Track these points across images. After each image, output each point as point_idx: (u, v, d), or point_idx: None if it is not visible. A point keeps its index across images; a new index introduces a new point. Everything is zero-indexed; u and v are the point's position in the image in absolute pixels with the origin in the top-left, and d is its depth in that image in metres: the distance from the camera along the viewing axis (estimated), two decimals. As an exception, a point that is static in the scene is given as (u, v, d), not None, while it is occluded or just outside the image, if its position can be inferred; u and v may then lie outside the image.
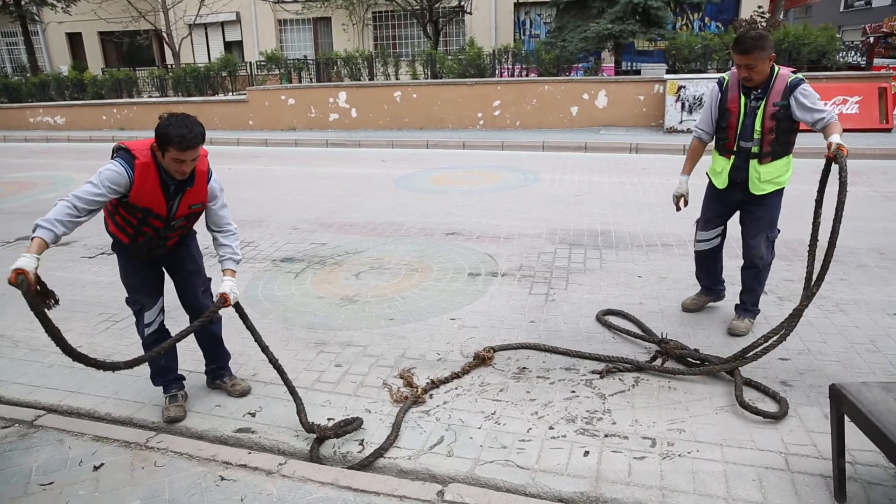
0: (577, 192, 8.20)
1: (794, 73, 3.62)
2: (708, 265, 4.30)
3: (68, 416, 3.36)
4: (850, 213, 6.75)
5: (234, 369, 3.77)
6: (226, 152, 13.19)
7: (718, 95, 3.81)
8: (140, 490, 2.72)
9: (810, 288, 3.28)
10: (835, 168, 3.24)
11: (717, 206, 4.08)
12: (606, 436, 3.00)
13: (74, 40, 28.10)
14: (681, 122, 12.41)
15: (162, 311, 3.37)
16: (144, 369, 3.80)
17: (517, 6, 21.85)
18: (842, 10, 35.98)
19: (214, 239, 3.30)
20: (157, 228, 3.06)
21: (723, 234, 4.19)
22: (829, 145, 3.27)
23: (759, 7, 18.24)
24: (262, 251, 6.17)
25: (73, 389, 3.63)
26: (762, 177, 3.78)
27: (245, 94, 16.16)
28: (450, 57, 16.08)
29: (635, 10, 14.21)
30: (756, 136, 3.70)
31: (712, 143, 4.02)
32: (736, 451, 2.87)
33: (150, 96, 18.76)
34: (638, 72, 15.90)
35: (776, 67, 3.62)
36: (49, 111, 18.20)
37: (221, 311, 3.22)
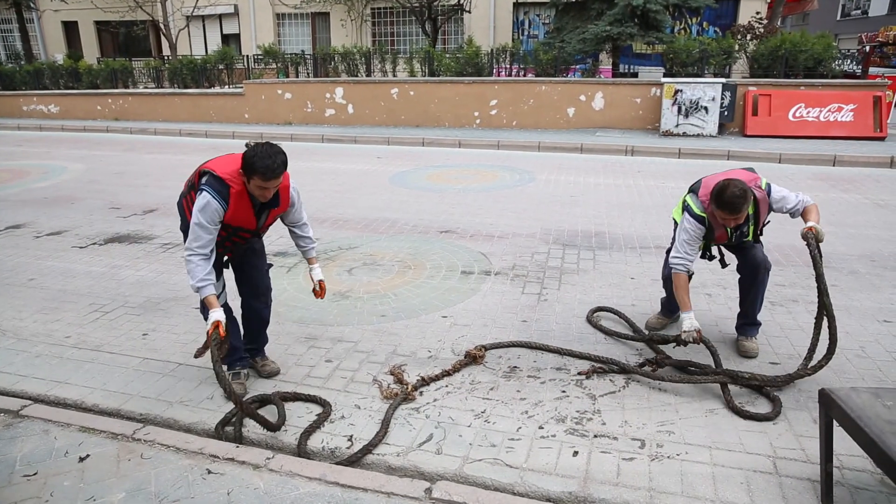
0: (571, 193, 8.21)
1: (751, 170, 3.59)
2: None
3: (55, 407, 3.33)
4: (842, 220, 6.84)
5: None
6: (221, 145, 13.13)
7: (703, 231, 3.61)
8: (126, 482, 2.69)
9: (816, 363, 3.37)
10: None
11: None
12: (596, 436, 3.00)
13: (70, 29, 27.91)
14: (677, 125, 12.43)
15: (224, 287, 3.39)
16: (132, 360, 3.80)
17: (516, 6, 21.83)
18: (839, 18, 36.12)
19: (292, 232, 3.53)
20: (247, 238, 3.31)
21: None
22: (810, 229, 3.38)
23: (757, 13, 18.30)
24: (255, 245, 6.13)
25: (61, 380, 3.60)
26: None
27: (242, 87, 16.08)
28: (448, 55, 16.05)
29: (634, 13, 14.23)
30: (750, 237, 3.71)
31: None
32: (724, 454, 2.87)
33: (146, 87, 18.65)
34: (635, 74, 15.93)
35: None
36: (43, 99, 18.08)
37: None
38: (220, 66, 18.02)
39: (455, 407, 3.26)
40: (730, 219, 3.37)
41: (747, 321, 3.94)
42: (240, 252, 3.44)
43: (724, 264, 3.97)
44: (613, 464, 2.80)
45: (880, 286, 4.92)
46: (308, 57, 18.13)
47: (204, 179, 3.05)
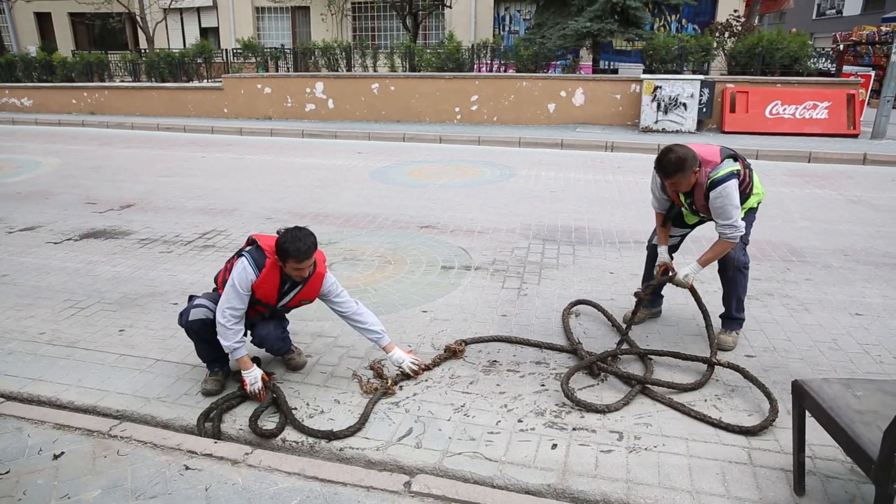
0: (552, 189, 8.24)
1: (712, 161, 3.55)
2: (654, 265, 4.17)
3: (28, 404, 3.28)
4: (816, 215, 6.95)
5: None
6: (199, 140, 13.01)
7: (660, 183, 3.76)
8: (101, 479, 2.66)
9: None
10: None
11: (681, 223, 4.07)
12: (574, 429, 3.02)
13: (43, 20, 27.42)
14: (656, 121, 12.53)
15: (208, 311, 3.37)
16: (108, 357, 3.75)
17: (497, 1, 21.85)
18: (814, 17, 36.61)
19: (353, 325, 3.48)
20: (262, 313, 3.42)
21: (682, 239, 4.20)
22: (675, 275, 3.74)
23: (735, 11, 18.50)
24: (235, 240, 6.09)
25: (35, 377, 3.54)
26: None
27: (220, 81, 15.92)
28: (428, 50, 16.03)
29: (614, 10, 14.32)
30: (699, 217, 3.87)
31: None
32: (701, 446, 2.91)
33: (123, 81, 18.38)
34: (615, 71, 16.03)
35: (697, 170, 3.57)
36: (15, 92, 17.73)
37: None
38: (199, 60, 17.81)
39: (435, 401, 3.27)
40: (666, 181, 3.56)
41: (724, 315, 4.01)
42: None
43: None
44: (592, 456, 2.83)
45: (853, 280, 5.01)
46: (288, 51, 18.01)
47: (249, 247, 3.27)
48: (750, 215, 3.89)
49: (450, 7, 20.96)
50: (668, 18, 19.96)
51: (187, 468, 2.73)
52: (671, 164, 3.45)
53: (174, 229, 6.47)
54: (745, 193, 3.70)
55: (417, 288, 4.83)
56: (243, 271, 3.16)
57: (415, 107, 14.44)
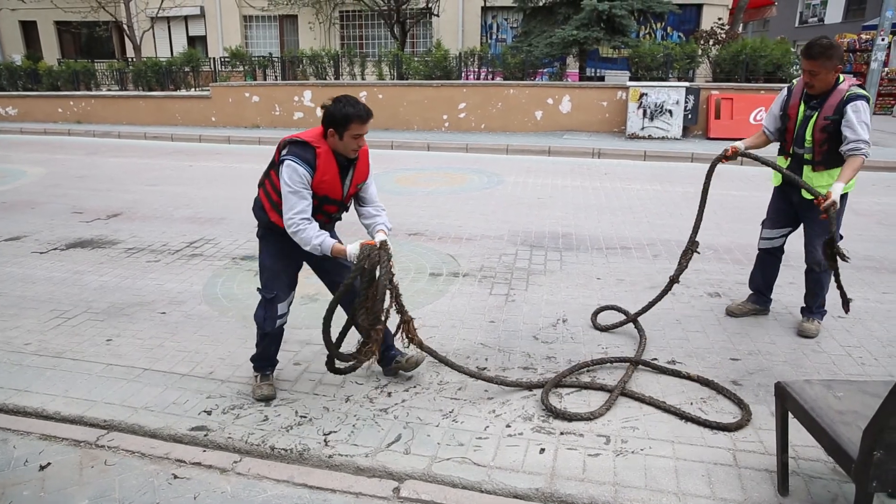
0: (539, 196, 8.29)
1: (859, 86, 3.65)
2: (766, 265, 4.35)
3: (14, 415, 3.26)
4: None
5: (190, 366, 3.72)
6: (187, 149, 12.97)
7: (785, 97, 3.92)
8: (89, 489, 2.65)
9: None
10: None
11: (779, 204, 4.19)
12: (562, 433, 3.05)
13: (29, 29, 27.28)
14: (642, 128, 12.64)
15: (290, 304, 3.38)
16: (95, 367, 3.74)
17: (484, 10, 21.98)
18: (797, 25, 37.11)
19: (365, 215, 3.32)
20: (331, 214, 3.20)
21: (786, 237, 4.29)
22: (829, 195, 3.50)
23: (720, 19, 18.72)
24: (223, 248, 6.08)
25: (20, 388, 3.52)
26: (813, 183, 3.83)
27: (208, 90, 15.89)
28: (416, 58, 16.09)
29: (600, 18, 14.44)
30: (808, 144, 3.80)
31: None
32: (687, 448, 2.94)
33: (110, 89, 18.30)
34: (602, 78, 16.15)
35: (841, 79, 3.67)
36: (0, 101, 17.61)
37: None
38: (186, 69, 17.77)
39: (423, 407, 3.28)
40: (806, 68, 3.62)
41: (806, 309, 4.20)
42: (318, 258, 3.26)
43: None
44: (579, 460, 2.85)
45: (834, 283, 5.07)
46: (276, 60, 18.00)
47: (285, 150, 3.00)
48: (843, 202, 3.86)
49: (437, 15, 21.07)
50: (654, 26, 20.16)
51: (176, 477, 2.73)
52: (820, 46, 3.54)
53: (162, 238, 6.45)
54: None
55: (406, 295, 4.81)
56: (295, 172, 2.92)
57: (403, 114, 14.48)
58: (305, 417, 3.21)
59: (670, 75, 13.98)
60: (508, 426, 3.11)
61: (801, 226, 4.19)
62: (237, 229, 6.74)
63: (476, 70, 15.78)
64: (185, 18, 24.69)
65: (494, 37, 22.26)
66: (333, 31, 23.35)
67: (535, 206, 7.71)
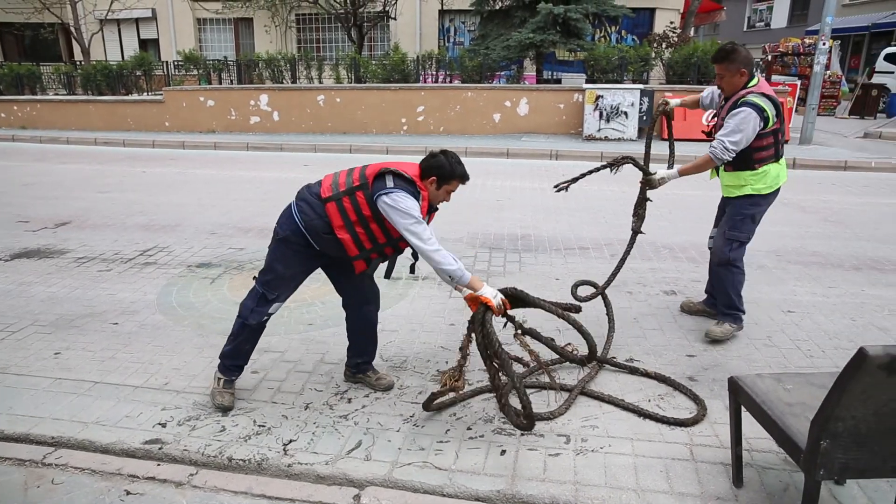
0: (498, 198, 8.34)
1: (764, 95, 3.66)
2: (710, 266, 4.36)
3: (-45, 434, 3.12)
4: (751, 217, 7.20)
5: (144, 378, 3.62)
6: (140, 154, 12.66)
7: (719, 96, 4.03)
8: (36, 509, 2.55)
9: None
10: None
11: (721, 203, 4.27)
12: (523, 434, 3.06)
13: (-31, 32, 26.25)
14: (599, 129, 12.84)
15: (278, 308, 3.33)
16: (42, 382, 3.60)
17: (442, 13, 22.04)
18: (745, 29, 38.22)
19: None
20: (386, 255, 3.24)
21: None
22: (650, 175, 3.94)
23: (672, 23, 19.16)
24: (177, 256, 5.94)
25: (-38, 405, 3.37)
26: (724, 181, 4.03)
27: (161, 94, 15.55)
28: (374, 62, 16.04)
29: (556, 21, 14.63)
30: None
31: None
32: (645, 445, 2.99)
33: (57, 94, 17.74)
34: (558, 81, 16.36)
35: (752, 83, 3.71)
36: (-60, 108, 16.91)
37: None
38: (138, 73, 17.35)
39: (384, 412, 3.26)
40: (716, 71, 3.80)
41: (717, 308, 4.22)
42: (373, 268, 3.36)
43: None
44: (540, 460, 2.87)
45: (784, 279, 5.24)
46: (231, 63, 17.72)
47: (391, 182, 2.94)
48: (759, 203, 3.93)
49: (394, 19, 21.04)
50: (609, 30, 20.52)
51: (128, 493, 2.65)
52: (723, 51, 3.67)
53: (113, 247, 6.27)
54: (762, 157, 3.80)
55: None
56: (413, 203, 2.90)
57: (361, 118, 14.41)
58: (264, 427, 3.15)
59: (625, 78, 14.24)
60: (469, 428, 3.10)
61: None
62: (192, 236, 6.60)
63: (434, 73, 15.81)
64: (136, 21, 24.12)
65: (452, 40, 22.35)
66: (290, 35, 23.11)
67: (494, 208, 7.75)
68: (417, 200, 2.96)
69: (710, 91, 4.21)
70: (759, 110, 3.62)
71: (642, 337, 4.17)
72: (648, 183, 4.01)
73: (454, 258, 2.95)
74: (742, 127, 3.62)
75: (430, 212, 3.17)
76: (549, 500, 2.62)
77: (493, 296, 2.90)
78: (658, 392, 3.46)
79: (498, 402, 2.89)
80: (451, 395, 3.14)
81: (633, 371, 3.65)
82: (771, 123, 3.69)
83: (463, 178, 3.08)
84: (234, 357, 3.35)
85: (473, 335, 2.94)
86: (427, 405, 3.18)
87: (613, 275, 4.25)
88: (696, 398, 3.34)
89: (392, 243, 3.13)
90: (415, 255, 3.23)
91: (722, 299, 4.13)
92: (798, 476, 2.69)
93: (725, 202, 4.15)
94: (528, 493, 2.66)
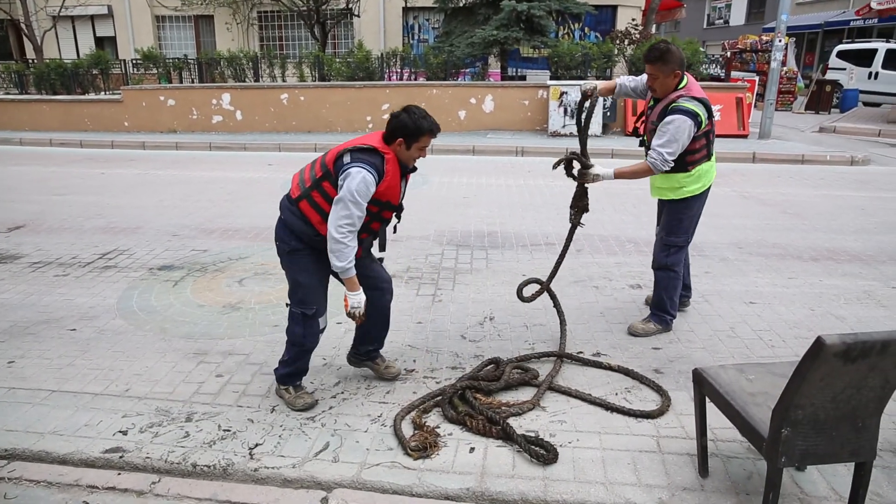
0: (464, 195, 8.34)
1: (696, 99, 3.62)
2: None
3: None
4: (712, 211, 7.32)
5: (104, 385, 3.52)
6: (98, 155, 12.32)
7: (644, 85, 3.89)
8: (-11, 524, 2.46)
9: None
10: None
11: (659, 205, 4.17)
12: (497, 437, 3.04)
13: (-87, 30, 25.24)
14: (563, 126, 12.93)
15: (327, 314, 3.31)
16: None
17: (405, 10, 21.95)
18: (705, 26, 38.97)
19: None
20: (385, 220, 3.17)
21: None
22: (586, 168, 3.77)
23: (633, 20, 19.40)
24: (138, 259, 5.80)
25: (-90, 418, 3.23)
26: (655, 183, 3.98)
27: (120, 93, 15.15)
28: (338, 60, 15.89)
29: (519, 18, 14.69)
30: (647, 145, 3.84)
31: None
32: (613, 438, 3.01)
33: (8, 93, 17.16)
34: (523, 78, 16.41)
35: (682, 83, 3.67)
36: None
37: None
38: (95, 71, 16.87)
39: (351, 413, 3.22)
40: (647, 71, 3.68)
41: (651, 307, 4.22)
42: (368, 245, 3.28)
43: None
44: (509, 457, 2.87)
45: (746, 271, 5.34)
46: (192, 62, 17.37)
47: (348, 158, 2.91)
48: (692, 205, 3.91)
49: (358, 16, 20.88)
50: (572, 27, 20.67)
51: (87, 504, 2.57)
52: (657, 51, 3.55)
53: (71, 250, 6.09)
54: (695, 159, 3.76)
55: (330, 300, 4.72)
56: (363, 182, 2.84)
57: (326, 116, 14.27)
58: (229, 431, 3.09)
59: (589, 74, 14.36)
60: (438, 427, 3.09)
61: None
62: (154, 238, 6.45)
63: (399, 70, 15.73)
64: (91, 18, 23.48)
65: (416, 37, 22.28)
66: (252, 32, 22.76)
67: (460, 205, 7.75)
68: (379, 171, 2.91)
69: (632, 80, 4.04)
70: (693, 116, 3.57)
71: (609, 331, 4.21)
72: (582, 177, 3.84)
73: (350, 259, 2.94)
74: (678, 136, 3.57)
75: (403, 175, 3.10)
76: (519, 497, 2.62)
77: (354, 304, 3.05)
78: (624, 385, 3.49)
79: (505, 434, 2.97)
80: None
81: (598, 365, 3.68)
82: (703, 126, 3.66)
83: (431, 131, 2.97)
84: (295, 374, 3.33)
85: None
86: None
87: (555, 270, 4.13)
88: (660, 390, 3.38)
89: (376, 217, 3.07)
90: (398, 216, 3.24)
91: (654, 300, 4.16)
92: (761, 464, 2.74)
93: (661, 203, 4.12)
94: (498, 490, 2.66)
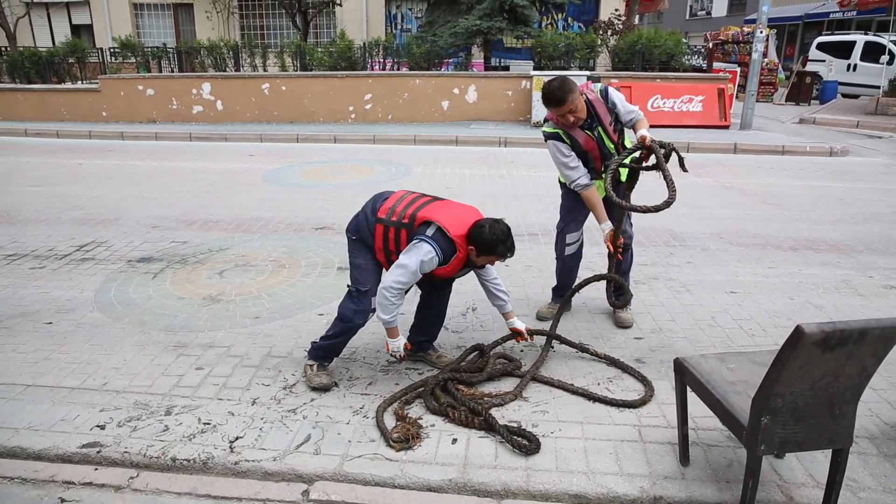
0: (447, 185, 8.31)
1: (594, 81, 3.78)
2: (573, 267, 4.29)
3: None
4: (695, 201, 7.38)
5: (81, 378, 3.47)
6: (76, 146, 12.12)
7: (569, 145, 3.78)
8: (-38, 521, 2.42)
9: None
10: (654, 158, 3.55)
11: (579, 206, 4.06)
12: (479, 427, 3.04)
13: None
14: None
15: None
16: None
17: (388, 0, 21.78)
18: (687, 17, 39.14)
19: (486, 289, 3.53)
20: (433, 283, 3.41)
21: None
22: (644, 138, 3.53)
23: (616, 10, 19.41)
24: (117, 251, 5.71)
25: None
26: (626, 178, 3.97)
27: (97, 82, 14.88)
28: (320, 49, 15.73)
29: (502, 8, 14.62)
30: (612, 151, 3.80)
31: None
32: (595, 428, 3.02)
33: (-19, 83, 16.78)
34: (507, 68, 16.39)
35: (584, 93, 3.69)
36: None
37: None
38: (71, 60, 16.56)
39: (333, 405, 3.20)
40: (565, 113, 3.58)
41: (615, 297, 4.17)
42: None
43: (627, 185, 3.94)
44: (491, 447, 2.86)
45: (727, 261, 5.38)
46: (171, 51, 17.11)
47: (431, 232, 3.08)
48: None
49: (340, 5, 20.66)
50: (555, 17, 20.64)
51: (63, 501, 2.53)
52: (559, 89, 3.53)
53: (47, 242, 5.98)
54: None
55: (313, 291, 4.72)
56: (430, 261, 3.04)
57: (307, 107, 14.14)
58: (209, 424, 3.06)
59: (572, 65, 14.35)
60: (420, 418, 3.08)
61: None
62: (133, 230, 6.36)
63: (381, 60, 15.61)
64: (67, 5, 23.01)
65: (399, 27, 22.13)
66: (232, 21, 22.46)
67: (443, 195, 7.69)
68: (447, 258, 3.10)
69: (578, 172, 3.86)
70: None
71: (591, 322, 4.22)
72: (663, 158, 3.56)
73: (393, 315, 3.15)
74: (623, 96, 3.80)
75: (465, 267, 3.28)
76: (501, 488, 2.62)
77: (395, 348, 3.26)
78: (607, 375, 3.51)
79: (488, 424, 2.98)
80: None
81: (584, 350, 3.67)
82: None
83: (502, 256, 3.15)
84: (329, 350, 3.42)
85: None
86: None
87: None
88: (644, 380, 3.40)
89: (430, 277, 3.25)
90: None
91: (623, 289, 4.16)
92: (741, 452, 2.76)
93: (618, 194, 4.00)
94: (480, 480, 2.65)
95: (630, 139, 3.88)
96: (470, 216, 3.20)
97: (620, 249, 3.90)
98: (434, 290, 3.53)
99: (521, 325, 3.56)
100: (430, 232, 3.09)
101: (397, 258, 3.14)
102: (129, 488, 2.59)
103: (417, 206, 3.19)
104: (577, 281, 4.19)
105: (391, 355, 3.31)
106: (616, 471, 2.71)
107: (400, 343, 3.26)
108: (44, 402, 3.25)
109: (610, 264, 3.99)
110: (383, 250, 3.25)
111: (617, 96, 3.73)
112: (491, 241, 3.07)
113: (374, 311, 3.30)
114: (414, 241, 3.08)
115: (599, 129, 3.75)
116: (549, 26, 19.98)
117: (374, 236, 3.25)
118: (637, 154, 3.66)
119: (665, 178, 3.46)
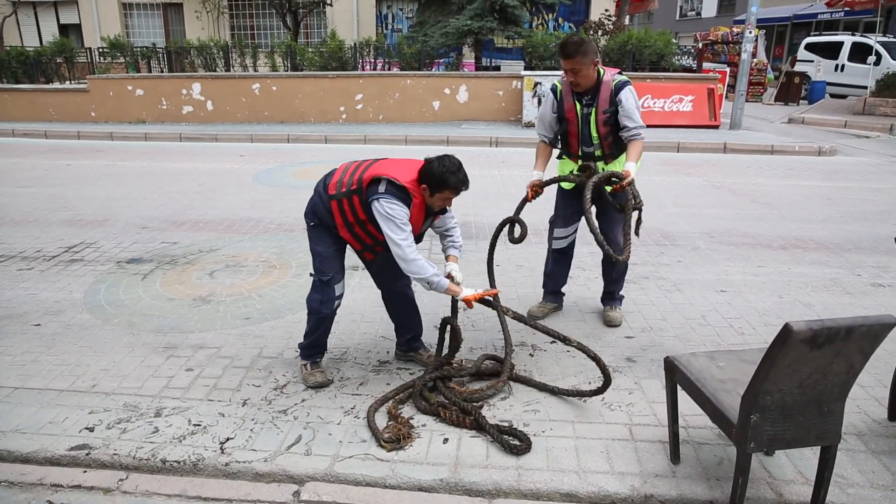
0: (440, 185, 8.30)
1: (619, 73, 3.71)
2: (564, 264, 4.29)
3: None
4: (685, 200, 7.42)
5: (70, 381, 3.44)
6: (64, 146, 12.03)
7: (554, 103, 3.81)
8: (-51, 525, 2.39)
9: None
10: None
11: (570, 202, 4.07)
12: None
13: None
14: (538, 116, 12.93)
15: (343, 288, 3.41)
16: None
17: (379, 0, 21.76)
18: (677, 18, 39.32)
19: (441, 235, 3.50)
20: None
21: (576, 233, 4.22)
22: (628, 174, 3.48)
23: (606, 10, 19.47)
24: (106, 252, 5.67)
25: None
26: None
27: (86, 82, 14.79)
28: (311, 49, 15.69)
29: (493, 8, 14.64)
30: (595, 141, 3.78)
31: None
32: (586, 426, 3.03)
33: (-33, 83, 16.63)
34: (497, 68, 16.40)
35: (602, 72, 3.67)
36: None
37: None
38: (59, 59, 16.44)
39: (324, 406, 3.19)
40: (567, 69, 3.59)
41: (611, 295, 4.23)
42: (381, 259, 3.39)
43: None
44: (482, 447, 2.86)
45: (717, 260, 5.41)
46: (161, 50, 17.02)
47: (383, 187, 3.02)
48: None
49: (331, 5, 20.63)
50: (546, 17, 20.67)
51: None
52: (573, 44, 3.51)
53: (35, 244, 5.94)
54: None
55: (304, 291, 4.64)
56: (401, 209, 2.99)
57: (298, 107, 14.11)
58: (199, 426, 3.04)
59: (563, 65, 14.37)
60: (412, 418, 3.07)
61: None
62: (122, 231, 6.32)
63: (372, 61, 15.60)
64: (55, 4, 22.86)
65: (390, 27, 22.11)
66: (222, 21, 22.38)
67: (435, 196, 7.71)
68: (407, 206, 3.03)
69: (544, 125, 3.95)
70: (631, 84, 3.72)
71: (582, 321, 4.23)
72: (630, 185, 3.52)
73: (430, 265, 3.08)
74: (638, 104, 3.72)
75: (427, 216, 3.23)
76: (492, 487, 2.62)
77: (468, 294, 3.22)
78: (598, 374, 3.50)
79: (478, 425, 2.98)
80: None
81: (564, 341, 3.61)
82: None
83: (456, 188, 3.05)
84: (315, 347, 3.43)
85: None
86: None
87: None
88: (604, 370, 3.27)
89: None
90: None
91: (619, 286, 4.22)
92: (731, 450, 2.78)
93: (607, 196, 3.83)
94: (471, 480, 2.65)
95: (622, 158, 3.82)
96: (415, 164, 3.14)
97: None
98: (389, 281, 3.52)
99: (458, 275, 3.32)
100: (381, 188, 3.03)
101: (360, 229, 3.16)
102: (118, 490, 2.57)
103: (363, 170, 3.13)
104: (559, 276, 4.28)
105: (478, 301, 3.25)
106: (607, 469, 2.72)
107: (468, 291, 3.21)
108: (32, 405, 3.22)
109: (518, 206, 4.01)
110: (345, 226, 3.19)
111: (627, 98, 3.63)
112: (441, 174, 3.00)
113: (339, 298, 3.33)
114: (373, 207, 3.00)
115: (593, 110, 3.71)
116: (540, 26, 20.00)
117: (333, 214, 3.18)
118: (610, 185, 3.59)
119: (625, 228, 3.53)
